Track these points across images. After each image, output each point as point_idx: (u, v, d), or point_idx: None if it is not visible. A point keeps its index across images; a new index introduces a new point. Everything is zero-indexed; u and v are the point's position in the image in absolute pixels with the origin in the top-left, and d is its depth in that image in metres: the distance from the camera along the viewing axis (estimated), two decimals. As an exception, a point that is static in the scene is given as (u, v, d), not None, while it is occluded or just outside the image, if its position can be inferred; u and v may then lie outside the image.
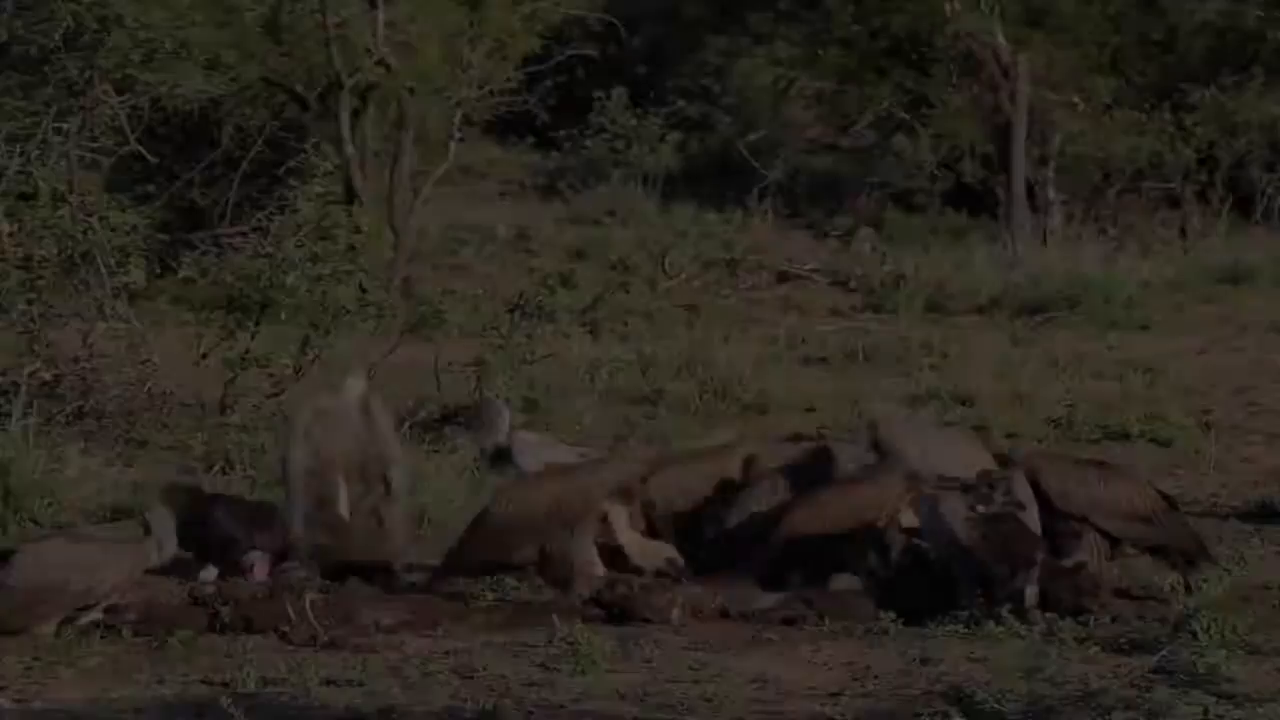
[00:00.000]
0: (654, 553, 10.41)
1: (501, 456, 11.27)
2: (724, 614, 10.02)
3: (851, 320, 22.34)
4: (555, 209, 31.24)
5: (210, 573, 10.51)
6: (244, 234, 16.42)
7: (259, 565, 10.39)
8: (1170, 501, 10.51)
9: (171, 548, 9.96)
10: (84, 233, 14.77)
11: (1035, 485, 10.09)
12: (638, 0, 34.70)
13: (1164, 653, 8.02)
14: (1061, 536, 10.13)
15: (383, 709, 8.20)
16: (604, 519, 10.37)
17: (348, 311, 15.10)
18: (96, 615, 9.76)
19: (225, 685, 8.63)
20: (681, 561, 10.41)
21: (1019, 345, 18.42)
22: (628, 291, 16.86)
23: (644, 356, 17.19)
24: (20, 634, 9.64)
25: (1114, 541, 10.26)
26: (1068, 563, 10.10)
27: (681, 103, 32.62)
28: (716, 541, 10.82)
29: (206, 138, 24.84)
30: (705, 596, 10.03)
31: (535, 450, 11.19)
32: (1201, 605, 9.81)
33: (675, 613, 9.94)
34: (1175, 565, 10.25)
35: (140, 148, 16.65)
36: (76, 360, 14.84)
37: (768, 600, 10.04)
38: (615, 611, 9.93)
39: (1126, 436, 14.85)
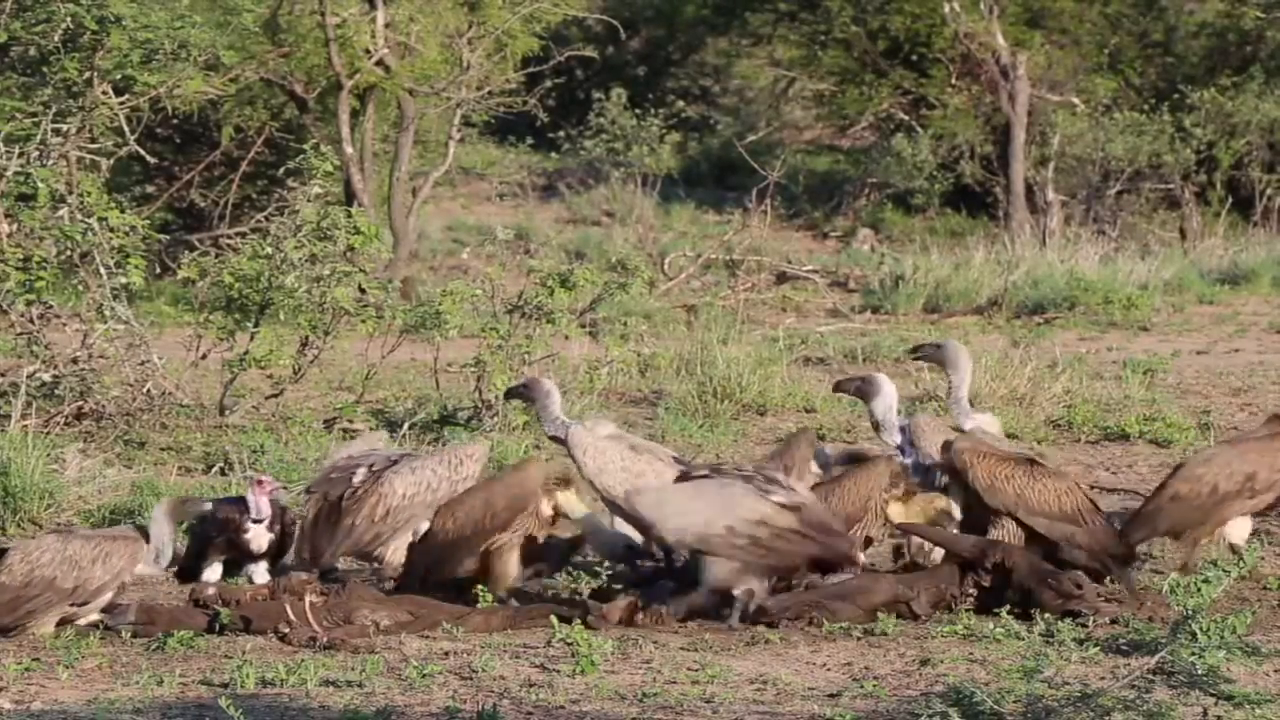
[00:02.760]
0: (611, 541, 10.42)
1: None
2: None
3: (850, 321, 22.36)
4: (555, 209, 31.26)
5: (214, 572, 10.49)
6: (243, 235, 16.39)
7: (257, 575, 10.39)
8: (1096, 505, 10.69)
9: (168, 556, 9.99)
10: (83, 233, 14.76)
11: (961, 477, 10.30)
12: (637, 1, 34.73)
13: (1164, 653, 8.01)
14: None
15: (382, 709, 8.20)
16: (555, 511, 10.39)
17: (347, 312, 15.09)
18: (94, 616, 9.76)
19: (224, 686, 8.64)
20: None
21: (1018, 345, 18.42)
22: (627, 292, 16.82)
23: (644, 357, 17.19)
24: (14, 630, 9.65)
25: (1037, 541, 10.40)
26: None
27: (680, 104, 32.66)
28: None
29: (206, 138, 24.88)
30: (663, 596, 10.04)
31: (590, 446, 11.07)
32: (1201, 606, 9.81)
33: (640, 616, 9.93)
34: (1102, 568, 10.40)
35: (139, 148, 16.64)
36: (76, 361, 14.83)
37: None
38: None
39: (1126, 436, 14.85)
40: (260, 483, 10.39)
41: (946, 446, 10.54)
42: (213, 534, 10.44)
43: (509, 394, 12.07)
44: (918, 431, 10.89)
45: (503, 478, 10.41)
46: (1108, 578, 10.43)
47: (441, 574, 10.30)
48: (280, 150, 23.59)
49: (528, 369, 15.44)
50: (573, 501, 10.40)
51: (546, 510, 10.36)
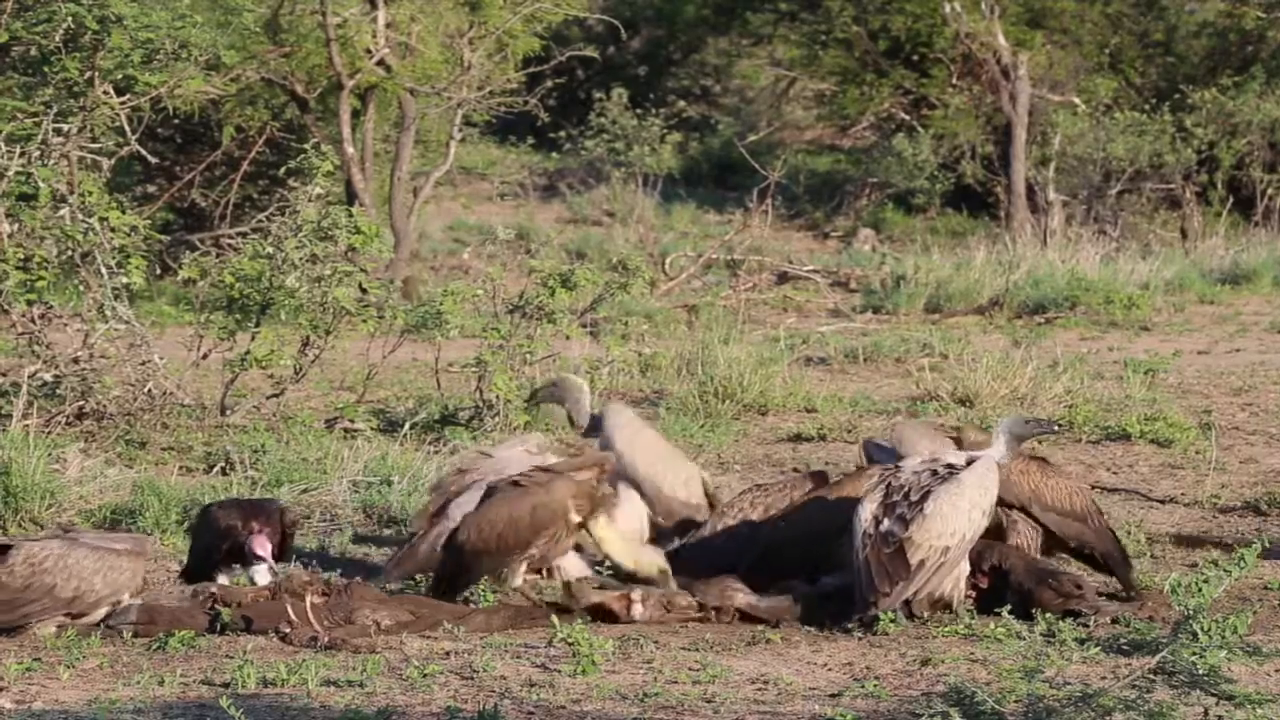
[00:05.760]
0: (647, 565, 10.34)
1: (595, 427, 11.23)
2: (700, 614, 10.01)
3: (851, 321, 22.36)
4: (555, 209, 31.27)
5: (224, 579, 10.48)
6: (244, 234, 16.39)
7: (259, 542, 10.33)
8: (1099, 508, 10.76)
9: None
10: (84, 233, 14.77)
11: None
12: (637, 1, 34.74)
13: (1165, 653, 8.01)
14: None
15: (383, 709, 8.20)
16: (581, 528, 10.35)
17: (348, 312, 15.09)
18: (92, 622, 9.74)
19: (225, 686, 8.64)
20: (670, 570, 10.32)
21: (1019, 345, 18.42)
22: (628, 292, 16.82)
23: (644, 356, 17.20)
24: (9, 632, 9.63)
25: (1049, 539, 10.44)
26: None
27: (681, 103, 32.66)
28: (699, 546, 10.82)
29: (207, 138, 24.88)
30: (675, 595, 10.02)
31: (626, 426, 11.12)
32: (1201, 605, 9.81)
33: (636, 610, 9.93)
34: (1097, 569, 10.47)
35: (140, 148, 16.64)
36: (76, 360, 14.84)
37: (746, 599, 10.04)
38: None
39: (1126, 436, 14.84)
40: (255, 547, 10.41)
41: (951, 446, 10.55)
42: (218, 541, 10.46)
43: (534, 398, 12.16)
44: (900, 440, 10.81)
45: (530, 493, 10.29)
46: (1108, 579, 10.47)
47: (464, 582, 10.22)
48: (281, 150, 23.59)
49: (529, 369, 15.46)
50: (605, 529, 10.33)
51: (575, 517, 10.29)
